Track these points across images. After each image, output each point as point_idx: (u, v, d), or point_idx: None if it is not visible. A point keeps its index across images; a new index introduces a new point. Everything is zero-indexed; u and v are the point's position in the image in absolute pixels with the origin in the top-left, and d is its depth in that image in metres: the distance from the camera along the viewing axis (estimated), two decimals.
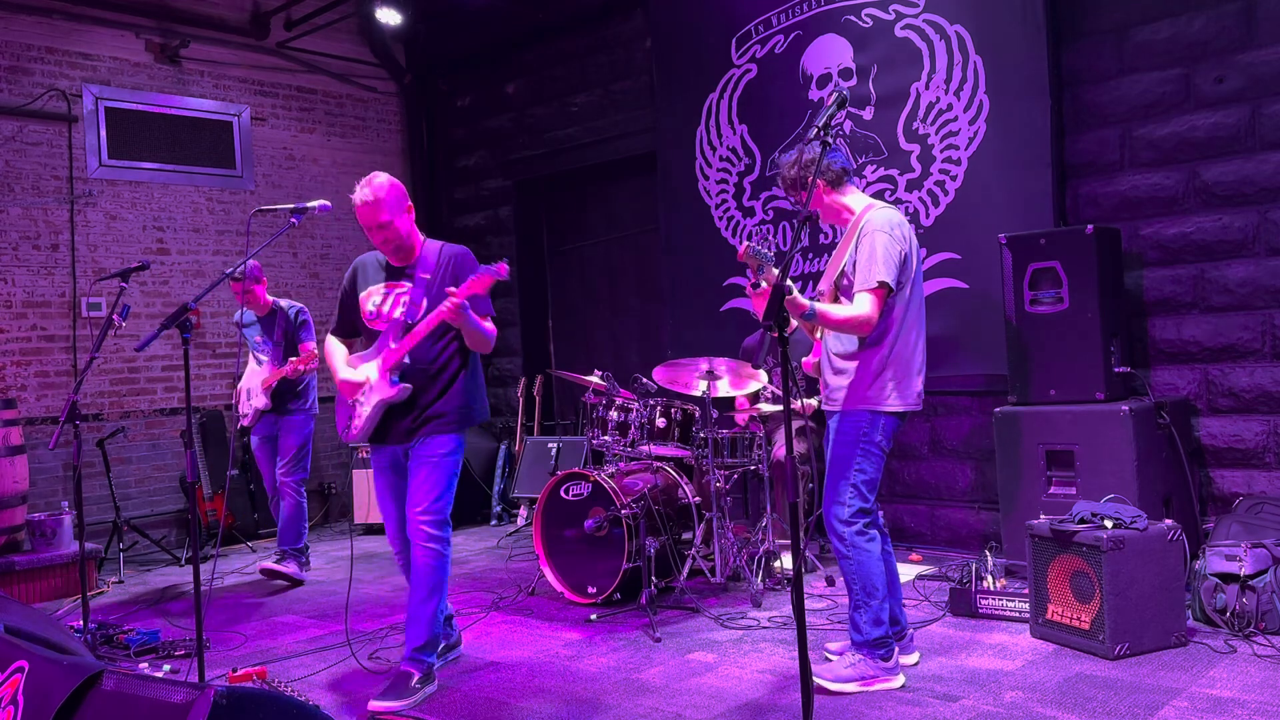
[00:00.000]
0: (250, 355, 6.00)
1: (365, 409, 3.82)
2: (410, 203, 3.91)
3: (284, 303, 5.86)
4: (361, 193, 3.78)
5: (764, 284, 3.57)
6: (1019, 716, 3.26)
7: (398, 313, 3.82)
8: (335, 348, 4.02)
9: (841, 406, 3.63)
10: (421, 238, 3.96)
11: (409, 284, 3.85)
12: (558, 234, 8.42)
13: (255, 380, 5.83)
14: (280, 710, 1.93)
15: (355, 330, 4.03)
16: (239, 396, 5.97)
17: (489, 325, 3.81)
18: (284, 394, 5.81)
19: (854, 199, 3.69)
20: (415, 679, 3.70)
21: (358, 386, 3.83)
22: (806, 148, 3.61)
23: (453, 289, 3.63)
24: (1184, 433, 4.83)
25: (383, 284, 3.92)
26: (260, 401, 5.76)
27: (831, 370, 3.68)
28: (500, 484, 7.68)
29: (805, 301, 3.32)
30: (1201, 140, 4.92)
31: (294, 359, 5.61)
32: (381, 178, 3.82)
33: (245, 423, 5.95)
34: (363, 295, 3.94)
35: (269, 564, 5.78)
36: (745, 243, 3.39)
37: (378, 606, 5.17)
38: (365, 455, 7.45)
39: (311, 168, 8.29)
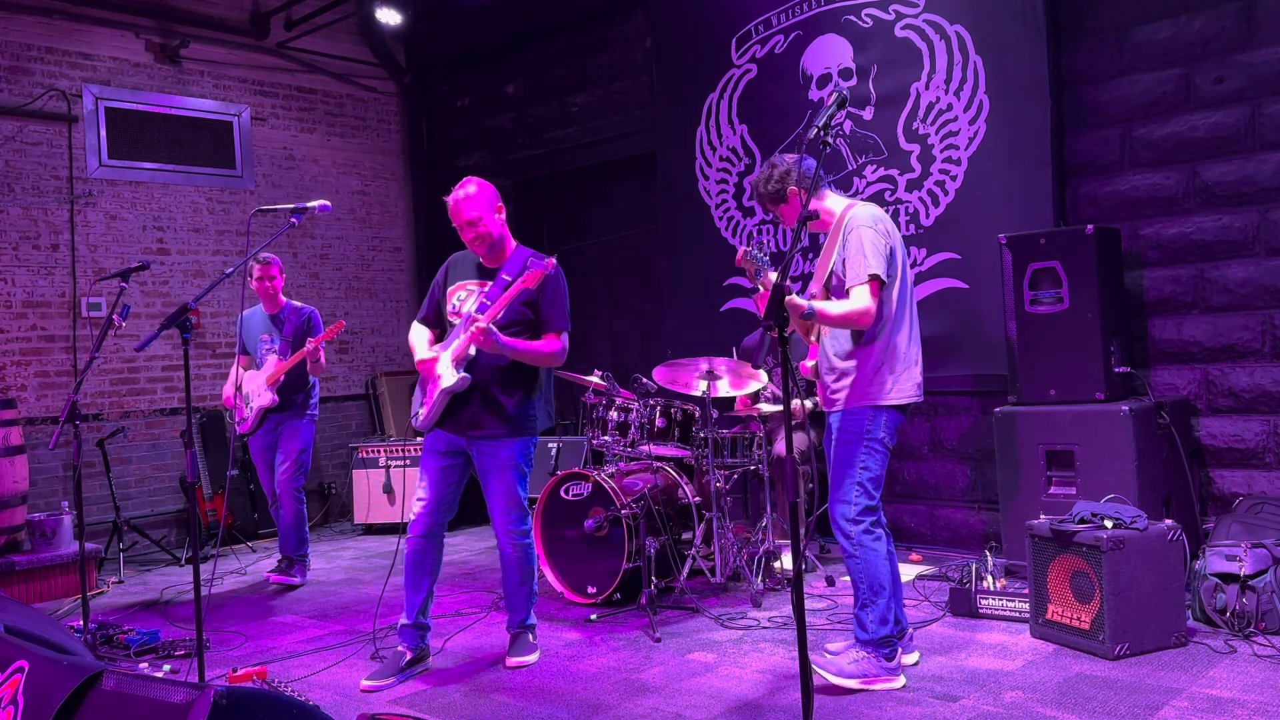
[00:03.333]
0: (240, 360, 5.80)
1: (432, 397, 3.97)
2: (501, 204, 4.05)
3: (295, 303, 5.81)
4: (455, 193, 3.97)
5: (762, 288, 3.60)
6: (1019, 716, 3.26)
7: (474, 309, 3.95)
8: (419, 332, 4.16)
9: (842, 405, 3.63)
10: (515, 243, 4.12)
11: (493, 284, 3.98)
12: (558, 234, 8.42)
13: (255, 383, 5.70)
14: (280, 710, 1.93)
15: (439, 321, 4.15)
16: (234, 401, 5.79)
17: (538, 345, 3.94)
18: (290, 388, 5.66)
19: (832, 201, 3.71)
20: (530, 637, 4.19)
21: (432, 366, 3.97)
22: (778, 159, 3.67)
23: (478, 315, 3.82)
24: (1184, 433, 4.83)
25: (472, 281, 4.06)
26: (266, 399, 5.60)
27: (830, 370, 3.69)
28: None
29: (803, 302, 3.34)
30: (1201, 140, 4.92)
31: (312, 339, 5.45)
32: (475, 180, 4.01)
33: (245, 428, 5.77)
34: (451, 289, 4.09)
35: (279, 577, 5.71)
36: (742, 247, 3.41)
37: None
38: (365, 456, 7.45)
39: (311, 168, 8.29)
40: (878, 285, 3.50)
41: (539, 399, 4.10)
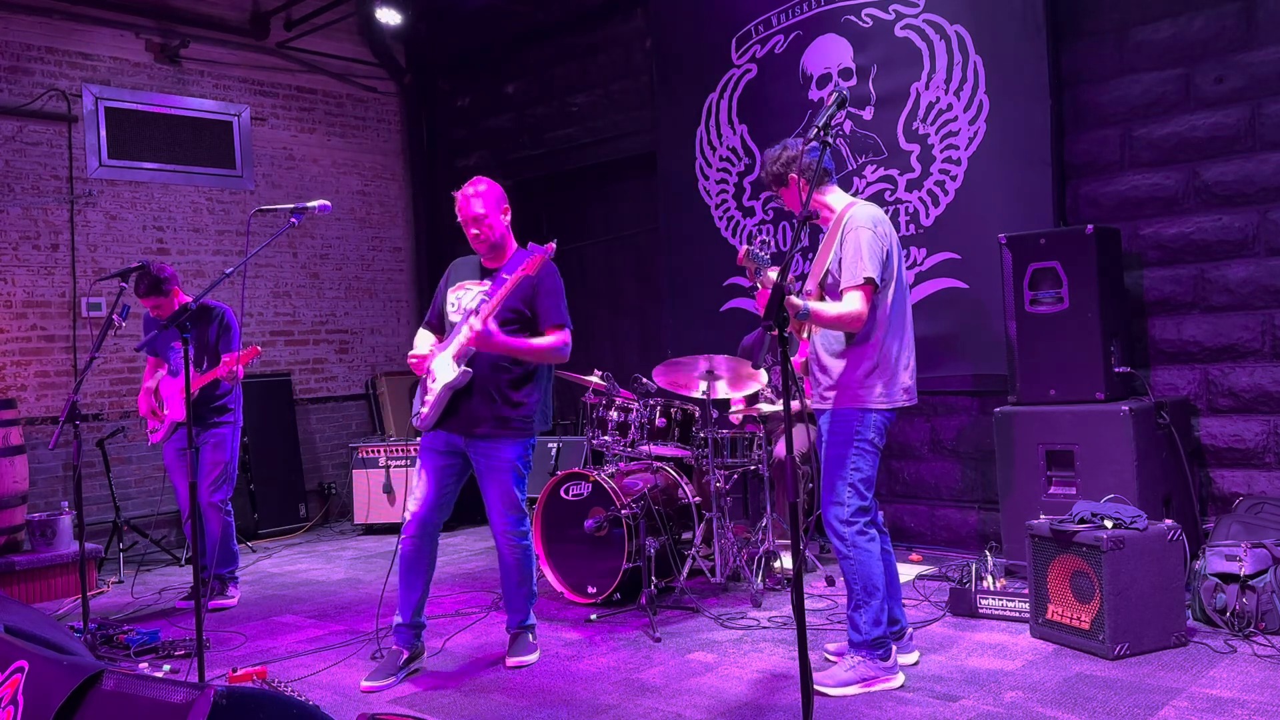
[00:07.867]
0: (148, 361, 5.50)
1: (432, 395, 3.97)
2: (508, 206, 4.10)
3: (207, 303, 5.26)
4: (465, 189, 4.03)
5: (761, 286, 3.59)
6: (1019, 716, 3.26)
7: (474, 305, 3.97)
8: (424, 337, 4.18)
9: (832, 405, 3.64)
10: (516, 245, 4.15)
11: (493, 284, 4.00)
12: (558, 234, 8.31)
13: (169, 390, 5.31)
14: (280, 710, 1.94)
15: (443, 325, 4.16)
16: (149, 406, 5.36)
17: (539, 342, 3.95)
18: (203, 403, 5.20)
19: (834, 198, 3.71)
20: (530, 637, 4.20)
21: (426, 363, 3.99)
22: (791, 143, 3.66)
23: (476, 318, 3.82)
24: (1184, 433, 4.83)
25: (473, 281, 4.10)
26: (178, 413, 5.22)
27: (820, 369, 3.69)
28: None
29: (799, 301, 3.34)
30: (1201, 140, 4.92)
31: (228, 356, 5.02)
32: (485, 179, 4.09)
33: (156, 439, 5.38)
34: (451, 290, 4.13)
35: (218, 600, 5.29)
36: (744, 246, 3.42)
37: (378, 606, 5.16)
38: (365, 456, 7.45)
39: (311, 168, 8.29)
40: (871, 289, 3.50)
41: (539, 400, 4.10)
